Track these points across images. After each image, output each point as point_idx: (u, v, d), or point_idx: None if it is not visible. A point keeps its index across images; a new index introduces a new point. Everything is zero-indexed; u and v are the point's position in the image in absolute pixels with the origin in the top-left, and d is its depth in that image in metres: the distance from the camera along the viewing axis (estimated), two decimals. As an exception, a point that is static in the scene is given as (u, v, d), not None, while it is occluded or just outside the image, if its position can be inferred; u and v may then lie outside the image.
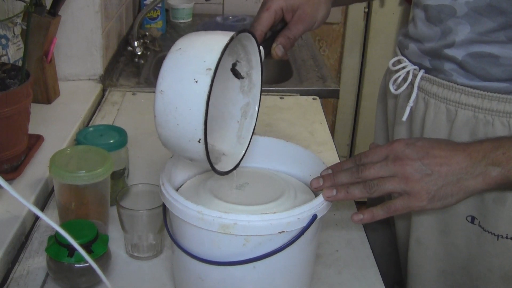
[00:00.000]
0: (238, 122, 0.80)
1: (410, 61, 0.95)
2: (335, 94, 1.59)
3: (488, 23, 0.80)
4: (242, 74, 0.79)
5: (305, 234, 0.69)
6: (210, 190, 0.77)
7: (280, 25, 0.88)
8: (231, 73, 0.78)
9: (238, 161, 0.78)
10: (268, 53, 0.85)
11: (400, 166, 0.72)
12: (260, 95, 0.80)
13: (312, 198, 0.74)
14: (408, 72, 0.94)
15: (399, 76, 0.95)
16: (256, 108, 0.80)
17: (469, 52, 0.83)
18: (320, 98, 1.50)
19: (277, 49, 0.85)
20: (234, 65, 0.78)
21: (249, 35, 0.73)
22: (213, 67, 0.62)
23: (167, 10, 2.06)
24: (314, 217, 0.69)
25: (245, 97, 0.80)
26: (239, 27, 2.02)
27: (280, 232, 0.67)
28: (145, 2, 1.96)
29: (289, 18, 0.87)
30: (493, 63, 0.82)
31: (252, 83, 0.80)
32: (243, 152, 0.79)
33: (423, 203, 0.72)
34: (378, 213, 0.73)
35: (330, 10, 0.91)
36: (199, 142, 0.64)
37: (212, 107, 0.70)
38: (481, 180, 0.72)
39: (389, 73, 1.00)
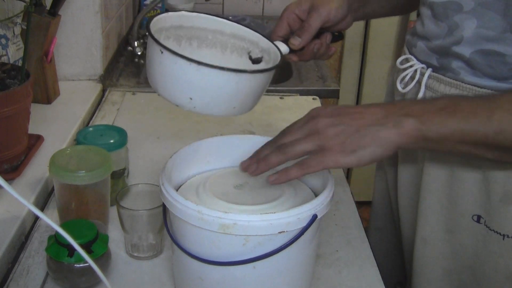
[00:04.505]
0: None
1: (417, 59, 0.95)
2: (335, 94, 1.59)
3: (495, 18, 0.80)
4: (259, 57, 0.85)
5: (305, 234, 0.69)
6: (210, 190, 0.77)
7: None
8: (256, 63, 0.86)
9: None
10: (289, 50, 0.91)
11: (313, 124, 0.73)
12: (275, 45, 0.86)
13: (312, 198, 0.74)
14: (415, 71, 0.94)
15: (407, 74, 0.95)
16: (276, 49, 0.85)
17: (476, 50, 0.83)
18: (320, 98, 1.50)
19: (292, 39, 0.90)
20: (250, 57, 0.85)
21: (185, 13, 0.83)
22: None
23: (167, 10, 2.04)
24: (314, 217, 0.69)
25: (272, 60, 0.85)
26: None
27: (280, 232, 0.67)
28: (145, 2, 1.96)
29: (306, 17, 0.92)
30: (500, 61, 0.82)
31: (265, 49, 0.85)
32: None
33: (336, 156, 0.70)
34: (293, 172, 0.72)
35: (346, 3, 0.94)
36: (162, 52, 0.72)
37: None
38: (394, 131, 0.70)
39: (397, 71, 1.00)
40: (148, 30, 0.75)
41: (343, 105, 0.76)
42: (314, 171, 0.72)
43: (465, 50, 0.84)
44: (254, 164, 0.74)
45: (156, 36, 0.76)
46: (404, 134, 0.70)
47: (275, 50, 0.85)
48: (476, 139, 0.70)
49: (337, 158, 0.70)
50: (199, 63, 0.71)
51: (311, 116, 0.75)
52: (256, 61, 0.86)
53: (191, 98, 0.74)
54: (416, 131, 0.70)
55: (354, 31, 2.47)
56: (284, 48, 0.89)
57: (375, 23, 2.43)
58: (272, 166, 0.74)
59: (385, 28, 2.43)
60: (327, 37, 0.96)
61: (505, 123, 0.69)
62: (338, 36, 1.00)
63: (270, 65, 0.84)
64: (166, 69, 0.73)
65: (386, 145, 0.70)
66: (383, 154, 0.71)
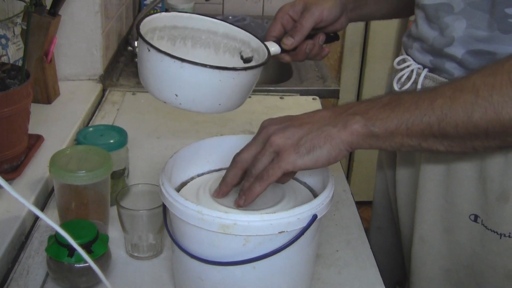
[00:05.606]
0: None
1: (414, 60, 0.95)
2: (335, 94, 1.59)
3: (483, 17, 0.80)
4: (250, 56, 0.87)
5: (305, 234, 0.69)
6: (211, 192, 0.77)
7: None
8: (247, 63, 0.88)
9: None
10: (280, 50, 0.91)
11: (264, 133, 0.74)
12: (264, 45, 0.87)
13: (312, 199, 0.74)
14: (412, 71, 0.94)
15: (403, 74, 0.95)
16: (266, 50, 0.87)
17: (468, 50, 0.83)
18: (320, 98, 1.50)
19: (285, 39, 0.91)
20: (242, 57, 0.87)
21: (164, 13, 0.85)
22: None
23: (167, 10, 2.06)
24: (314, 217, 0.69)
25: (261, 59, 0.87)
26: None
27: (280, 232, 0.67)
28: (145, 2, 1.97)
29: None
30: (492, 61, 0.82)
31: (255, 49, 0.86)
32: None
33: (292, 157, 0.71)
34: (256, 188, 0.72)
35: (339, 4, 0.94)
36: (149, 50, 0.75)
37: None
38: (344, 130, 0.71)
39: (394, 71, 1.00)
40: (137, 29, 0.77)
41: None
42: (275, 179, 0.72)
43: (457, 51, 0.84)
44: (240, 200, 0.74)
45: (149, 35, 0.78)
46: (352, 132, 0.71)
47: (264, 50, 0.85)
48: (422, 130, 0.70)
49: (294, 160, 0.71)
50: (182, 60, 0.73)
51: (262, 126, 0.76)
52: (247, 60, 0.87)
53: (176, 95, 0.76)
54: (363, 128, 0.71)
55: (354, 31, 2.48)
56: (275, 48, 0.90)
57: (375, 23, 2.43)
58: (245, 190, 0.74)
59: (385, 28, 2.43)
60: (320, 37, 0.96)
61: (446, 109, 0.69)
62: (334, 37, 1.00)
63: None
64: (153, 67, 0.75)
65: (340, 144, 0.71)
66: (338, 154, 0.72)
